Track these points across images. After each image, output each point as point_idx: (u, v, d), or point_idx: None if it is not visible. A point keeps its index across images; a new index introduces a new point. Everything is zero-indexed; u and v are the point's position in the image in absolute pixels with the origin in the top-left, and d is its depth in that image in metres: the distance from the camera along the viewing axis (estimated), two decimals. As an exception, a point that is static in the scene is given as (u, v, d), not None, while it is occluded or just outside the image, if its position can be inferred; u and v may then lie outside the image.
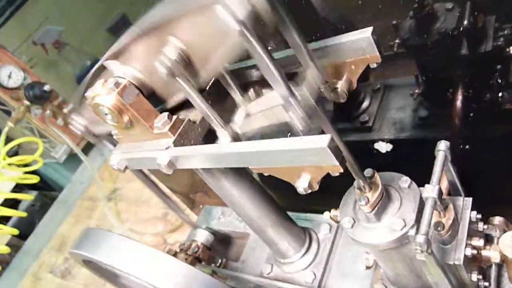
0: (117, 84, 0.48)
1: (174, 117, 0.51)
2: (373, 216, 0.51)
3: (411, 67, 0.88)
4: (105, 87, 0.49)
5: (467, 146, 0.71)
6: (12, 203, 2.20)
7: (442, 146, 0.51)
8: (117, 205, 1.88)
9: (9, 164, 1.96)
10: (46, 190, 2.67)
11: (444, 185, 0.56)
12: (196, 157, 0.47)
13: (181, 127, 0.51)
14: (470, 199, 0.54)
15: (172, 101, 0.53)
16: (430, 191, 0.47)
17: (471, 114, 0.68)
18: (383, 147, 0.83)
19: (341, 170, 0.36)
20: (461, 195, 0.56)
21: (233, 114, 0.52)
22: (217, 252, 0.93)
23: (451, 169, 0.53)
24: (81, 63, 2.86)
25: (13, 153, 2.29)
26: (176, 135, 0.50)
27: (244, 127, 0.51)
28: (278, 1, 0.37)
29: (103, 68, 0.53)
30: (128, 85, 0.49)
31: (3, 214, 1.95)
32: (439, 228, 0.49)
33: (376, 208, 0.51)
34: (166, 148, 0.50)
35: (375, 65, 0.45)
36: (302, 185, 0.39)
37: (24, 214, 2.00)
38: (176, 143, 0.50)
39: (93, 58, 2.93)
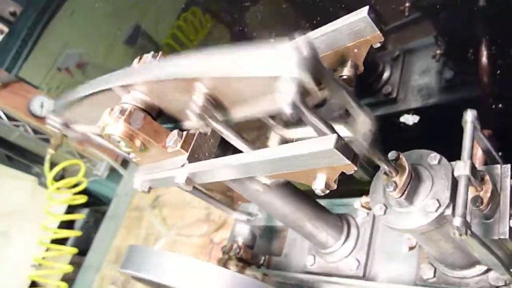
0: (122, 111, 0.48)
1: (185, 133, 0.50)
2: (404, 201, 0.49)
3: (429, 27, 0.82)
4: (111, 116, 0.49)
5: (499, 105, 0.66)
6: (68, 224, 2.32)
7: (469, 116, 0.47)
8: (162, 212, 1.94)
9: (58, 188, 2.07)
10: (97, 205, 2.80)
11: (478, 155, 0.52)
12: (213, 171, 0.47)
13: (193, 141, 0.50)
14: (509, 165, 0.50)
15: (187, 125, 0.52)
16: (461, 168, 0.43)
17: (498, 71, 0.63)
18: (410, 119, 0.78)
19: (355, 169, 0.34)
20: (498, 163, 0.52)
21: (267, 139, 0.51)
22: (260, 248, 0.94)
23: (482, 138, 0.49)
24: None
25: (59, 177, 2.41)
26: (189, 151, 0.50)
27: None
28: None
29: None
30: (133, 111, 0.49)
31: (61, 236, 2.07)
32: (477, 204, 0.46)
33: (406, 192, 0.48)
34: (182, 166, 0.49)
35: (378, 45, 0.42)
36: (319, 186, 0.38)
37: (79, 233, 2.11)
38: (191, 159, 0.49)
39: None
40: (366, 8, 0.40)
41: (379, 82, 0.95)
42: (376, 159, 0.45)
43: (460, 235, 0.40)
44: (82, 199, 2.12)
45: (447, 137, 0.65)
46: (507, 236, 0.45)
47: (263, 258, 0.91)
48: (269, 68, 0.33)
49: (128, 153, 0.58)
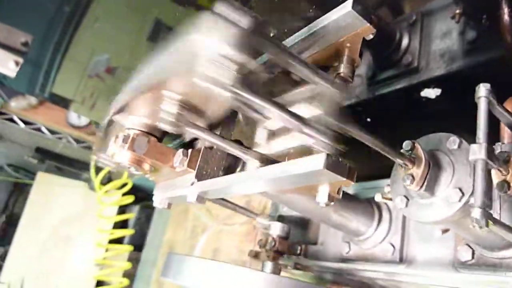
0: (125, 139, 0.49)
1: (190, 150, 0.50)
2: (425, 192, 0.46)
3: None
4: (117, 144, 0.50)
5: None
6: (122, 223, 2.45)
7: (482, 91, 0.43)
8: (206, 202, 1.99)
9: (106, 191, 2.18)
10: (147, 200, 2.92)
11: (506, 133, 0.48)
12: (221, 188, 0.46)
13: (199, 158, 0.50)
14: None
15: (188, 137, 0.52)
16: (476, 151, 0.40)
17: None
18: (432, 92, 0.73)
19: (352, 183, 0.33)
20: (528, 138, 0.47)
21: (254, 135, 0.49)
22: (296, 237, 0.94)
23: (503, 113, 0.45)
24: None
25: (106, 180, 2.53)
26: (196, 169, 0.49)
27: (272, 145, 0.48)
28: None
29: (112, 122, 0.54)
30: (136, 137, 0.49)
31: (117, 236, 2.19)
32: (504, 189, 0.42)
33: (425, 183, 0.45)
34: (192, 184, 0.50)
35: (371, 36, 0.39)
36: (323, 200, 0.36)
37: (132, 231, 2.22)
38: (199, 177, 0.49)
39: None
40: (351, 1, 0.37)
41: (398, 52, 0.89)
42: (379, 149, 0.43)
43: (481, 227, 0.37)
44: (130, 199, 2.22)
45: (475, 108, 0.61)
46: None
47: (299, 247, 0.91)
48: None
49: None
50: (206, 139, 0.44)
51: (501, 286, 0.54)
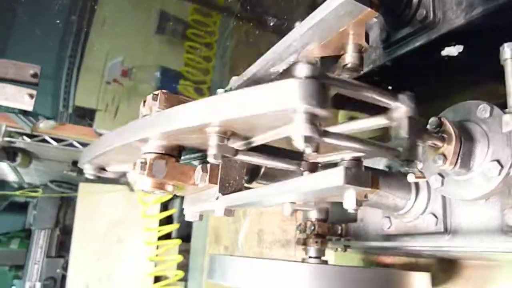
0: (143, 166, 0.48)
1: (209, 166, 0.49)
2: (460, 169, 0.43)
3: None
4: (136, 172, 0.49)
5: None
6: (167, 219, 2.52)
7: (508, 52, 0.39)
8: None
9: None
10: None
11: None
12: (246, 201, 0.45)
13: (219, 172, 0.49)
14: None
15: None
16: (510, 122, 0.36)
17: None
18: (453, 50, 0.68)
19: (378, 190, 0.31)
20: None
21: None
22: (335, 217, 0.92)
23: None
24: (152, 76, 3.03)
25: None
26: (219, 183, 0.49)
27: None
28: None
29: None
30: (154, 161, 0.49)
31: (164, 233, 2.26)
32: (548, 155, 0.39)
33: (458, 160, 0.42)
34: (217, 199, 0.49)
35: (374, 20, 0.35)
36: (350, 206, 0.35)
37: (177, 226, 2.28)
38: (223, 190, 0.48)
39: (160, 66, 3.06)
40: (344, -12, 0.33)
41: (410, 7, 0.83)
42: (418, 139, 0.40)
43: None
44: (169, 195, 2.27)
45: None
46: None
47: (339, 227, 0.90)
48: (275, 105, 0.30)
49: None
50: (262, 163, 0.43)
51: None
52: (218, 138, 0.40)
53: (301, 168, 0.45)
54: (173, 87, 2.62)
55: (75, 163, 2.47)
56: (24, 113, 2.62)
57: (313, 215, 0.91)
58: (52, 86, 2.86)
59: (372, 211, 0.82)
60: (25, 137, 2.06)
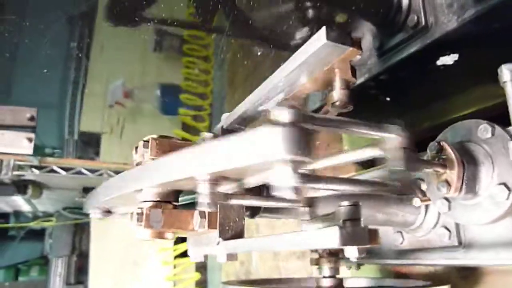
0: (140, 218, 0.47)
1: (207, 212, 0.48)
2: (466, 195, 0.41)
3: None
4: (133, 222, 0.48)
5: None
6: (182, 238, 2.52)
7: (506, 75, 0.37)
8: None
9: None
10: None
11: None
12: (248, 247, 0.44)
13: (218, 216, 0.48)
14: None
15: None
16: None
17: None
18: (448, 59, 0.66)
19: (378, 244, 0.29)
20: None
21: None
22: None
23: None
24: (153, 94, 3.04)
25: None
26: (218, 227, 0.47)
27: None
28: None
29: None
30: (150, 211, 0.47)
31: (180, 251, 2.25)
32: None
33: (463, 187, 0.40)
34: (218, 244, 0.48)
35: (359, 57, 0.34)
36: (353, 255, 0.33)
37: (191, 243, 2.28)
38: (223, 234, 0.47)
39: (160, 83, 3.07)
40: (323, 31, 0.32)
41: (401, 13, 0.81)
42: (417, 170, 0.38)
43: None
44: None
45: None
46: None
47: (352, 244, 0.87)
48: (259, 156, 0.29)
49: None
50: (257, 204, 0.42)
51: None
52: (209, 186, 0.39)
53: (299, 204, 0.44)
54: (175, 102, 2.63)
55: (85, 189, 2.48)
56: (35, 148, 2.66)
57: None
58: (56, 115, 2.89)
59: (384, 227, 0.80)
60: (33, 169, 2.08)
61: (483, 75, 0.67)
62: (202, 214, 0.48)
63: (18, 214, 3.18)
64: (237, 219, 0.49)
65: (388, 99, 0.82)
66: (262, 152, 0.28)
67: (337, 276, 0.84)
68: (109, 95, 2.80)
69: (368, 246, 0.28)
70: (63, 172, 2.18)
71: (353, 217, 0.32)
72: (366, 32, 0.89)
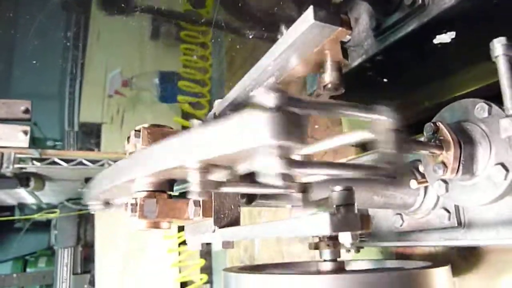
0: (134, 208, 0.47)
1: (201, 200, 0.47)
2: (464, 176, 0.40)
3: None
4: (128, 213, 0.48)
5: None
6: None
7: (498, 48, 0.36)
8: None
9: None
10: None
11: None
12: (243, 235, 0.44)
13: (213, 204, 0.47)
14: None
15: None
16: (508, 127, 0.33)
17: None
18: (445, 37, 0.64)
19: (369, 230, 0.28)
20: None
21: None
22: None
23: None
24: (152, 82, 3.02)
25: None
26: (213, 216, 0.47)
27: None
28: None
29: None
30: (144, 201, 0.47)
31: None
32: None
33: (460, 167, 0.40)
34: (213, 231, 0.47)
35: (348, 37, 0.33)
36: (347, 241, 0.32)
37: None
38: (218, 222, 0.47)
39: (158, 71, 3.06)
40: (311, 11, 0.30)
41: (397, -9, 0.79)
42: (408, 152, 0.38)
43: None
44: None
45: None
46: None
47: (352, 227, 0.87)
48: (244, 143, 0.28)
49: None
50: (250, 192, 0.42)
51: None
52: (199, 175, 0.38)
53: (292, 190, 0.43)
54: (174, 89, 2.61)
55: (87, 180, 2.49)
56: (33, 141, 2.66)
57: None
58: (56, 107, 2.88)
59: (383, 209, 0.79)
60: (35, 162, 2.08)
61: (483, 52, 0.66)
62: (196, 203, 0.48)
63: (22, 206, 3.21)
64: (232, 206, 0.48)
65: (386, 80, 0.81)
66: (247, 138, 0.28)
67: (338, 259, 0.84)
68: (108, 85, 2.78)
69: (359, 231, 0.28)
70: (64, 164, 2.18)
71: (347, 202, 0.32)
72: (363, 12, 0.87)
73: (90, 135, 2.79)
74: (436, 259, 0.87)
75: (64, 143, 2.72)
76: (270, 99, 0.27)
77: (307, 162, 0.31)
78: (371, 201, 0.64)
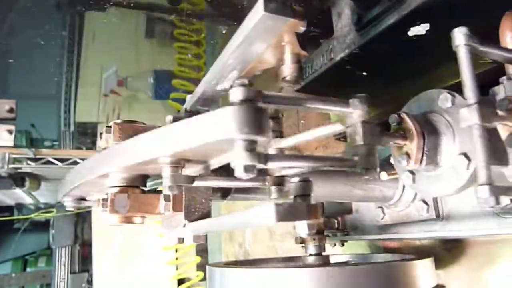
0: (105, 204, 0.47)
1: (172, 194, 0.48)
2: (428, 166, 0.40)
3: None
4: (99, 209, 0.48)
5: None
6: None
7: (459, 38, 0.36)
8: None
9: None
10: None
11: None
12: (210, 228, 0.44)
13: (183, 198, 0.47)
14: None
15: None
16: (467, 116, 0.33)
17: None
18: (420, 29, 0.64)
19: (318, 219, 0.28)
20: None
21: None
22: (331, 210, 0.90)
23: (493, 51, 0.37)
24: (147, 81, 3.02)
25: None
26: (184, 210, 0.47)
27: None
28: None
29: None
30: (115, 196, 0.47)
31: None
32: (516, 146, 0.36)
33: (423, 158, 0.40)
34: (184, 226, 0.47)
35: (302, 29, 0.33)
36: (303, 232, 0.33)
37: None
38: (189, 216, 0.47)
39: (153, 70, 3.06)
40: (261, 3, 0.30)
41: (377, -15, 0.79)
42: (376, 144, 0.38)
43: (492, 207, 0.32)
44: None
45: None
46: None
47: (336, 221, 0.87)
48: (213, 136, 0.29)
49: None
50: (224, 185, 0.42)
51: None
52: (171, 169, 0.39)
53: (267, 183, 0.43)
54: (168, 87, 2.61)
55: (83, 179, 2.50)
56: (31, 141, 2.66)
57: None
58: (54, 107, 2.89)
59: (365, 203, 0.79)
60: (29, 162, 2.09)
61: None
62: (167, 198, 0.48)
63: (20, 206, 3.22)
64: (203, 201, 0.48)
65: (368, 74, 0.81)
66: (216, 131, 0.28)
67: (323, 253, 0.85)
68: (104, 84, 2.79)
69: (307, 220, 0.28)
70: (59, 163, 2.19)
71: (304, 193, 0.32)
72: (345, 7, 0.87)
73: (87, 135, 2.79)
74: (422, 251, 0.87)
75: (60, 143, 2.72)
76: (237, 94, 0.28)
77: (273, 155, 0.31)
78: (349, 194, 0.64)
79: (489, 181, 0.32)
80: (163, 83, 2.84)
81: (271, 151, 0.44)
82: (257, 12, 0.31)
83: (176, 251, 2.34)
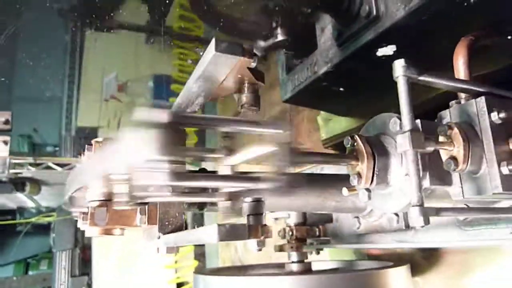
0: (85, 217, 0.51)
1: (147, 206, 0.51)
2: (379, 185, 0.43)
3: None
4: (80, 223, 0.52)
5: None
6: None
7: (398, 69, 0.39)
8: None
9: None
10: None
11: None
12: (180, 241, 0.47)
13: (158, 212, 0.51)
14: (483, 98, 0.40)
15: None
16: (402, 143, 0.36)
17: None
18: (388, 50, 0.67)
19: (259, 238, 0.32)
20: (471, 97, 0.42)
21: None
22: (313, 219, 0.93)
23: (432, 80, 0.40)
24: (147, 86, 3.06)
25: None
26: (158, 223, 0.50)
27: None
28: None
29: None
30: (94, 210, 0.51)
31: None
32: (453, 167, 0.39)
33: (374, 178, 0.43)
34: (158, 238, 0.51)
35: (253, 65, 0.36)
36: (254, 247, 0.36)
37: (188, 232, 2.33)
38: (163, 229, 0.50)
39: (152, 75, 3.09)
40: (213, 43, 0.34)
41: (354, 3, 0.82)
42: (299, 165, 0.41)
43: (422, 227, 0.35)
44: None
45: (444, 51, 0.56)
46: (501, 190, 0.38)
47: (317, 229, 0.91)
48: (131, 157, 0.33)
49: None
50: (180, 201, 0.45)
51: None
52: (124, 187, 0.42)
53: (221, 199, 0.46)
54: (166, 92, 2.66)
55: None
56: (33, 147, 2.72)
57: (292, 220, 0.92)
58: (56, 112, 2.94)
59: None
60: (29, 167, 2.13)
61: (438, 63, 0.69)
62: (142, 211, 0.51)
63: (22, 210, 3.26)
64: (177, 214, 0.52)
65: (345, 89, 0.84)
66: (138, 152, 0.32)
67: (306, 260, 0.88)
68: (104, 89, 2.83)
69: (248, 240, 0.31)
70: (58, 168, 2.24)
71: (256, 212, 0.35)
72: (328, 23, 0.91)
73: (87, 140, 2.84)
74: (402, 259, 0.90)
75: (61, 148, 2.77)
76: (162, 117, 0.31)
77: (193, 175, 0.35)
78: (322, 205, 0.67)
79: (420, 202, 0.35)
80: (161, 87, 2.88)
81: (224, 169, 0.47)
82: (210, 51, 0.34)
83: (175, 254, 2.38)
